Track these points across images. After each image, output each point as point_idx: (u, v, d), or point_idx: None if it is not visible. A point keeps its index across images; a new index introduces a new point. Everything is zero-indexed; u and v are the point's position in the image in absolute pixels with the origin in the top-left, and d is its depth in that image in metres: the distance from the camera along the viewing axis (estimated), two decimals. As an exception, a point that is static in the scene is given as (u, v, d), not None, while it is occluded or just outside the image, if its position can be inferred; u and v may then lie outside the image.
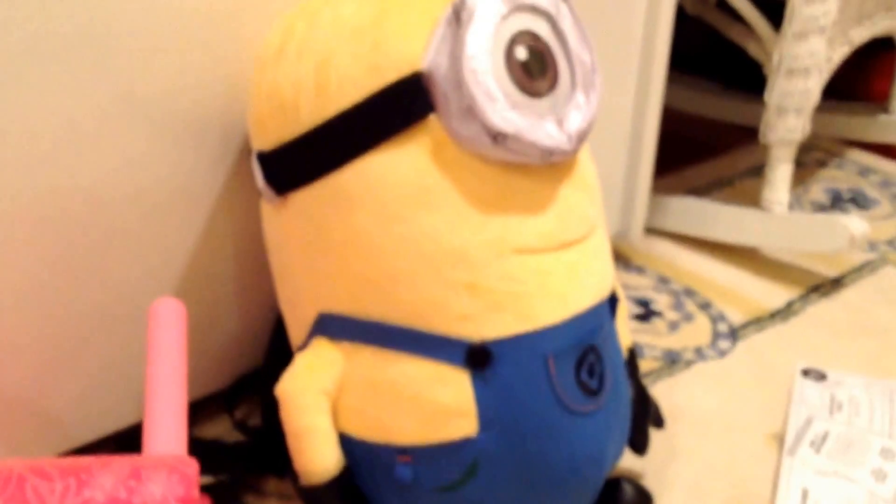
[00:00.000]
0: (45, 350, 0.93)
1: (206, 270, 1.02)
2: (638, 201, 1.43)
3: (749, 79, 1.72)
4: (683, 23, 1.40)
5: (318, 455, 0.86)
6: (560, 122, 0.84)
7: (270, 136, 0.88)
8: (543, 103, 0.84)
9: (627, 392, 0.94)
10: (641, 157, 1.40)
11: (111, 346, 0.98)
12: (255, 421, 1.11)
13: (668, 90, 1.40)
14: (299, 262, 0.89)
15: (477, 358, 0.83)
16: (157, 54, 0.89)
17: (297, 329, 0.92)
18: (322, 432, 0.86)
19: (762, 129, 1.43)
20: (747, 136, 1.80)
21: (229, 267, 1.04)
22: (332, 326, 0.87)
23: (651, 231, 1.53)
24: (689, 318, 1.35)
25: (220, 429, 1.10)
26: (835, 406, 1.15)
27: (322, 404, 0.86)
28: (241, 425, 1.10)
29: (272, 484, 1.04)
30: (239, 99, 0.96)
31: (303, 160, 0.86)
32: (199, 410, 1.10)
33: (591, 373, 0.87)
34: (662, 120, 1.39)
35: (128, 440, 1.02)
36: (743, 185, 1.71)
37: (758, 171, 1.70)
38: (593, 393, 0.87)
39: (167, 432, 0.71)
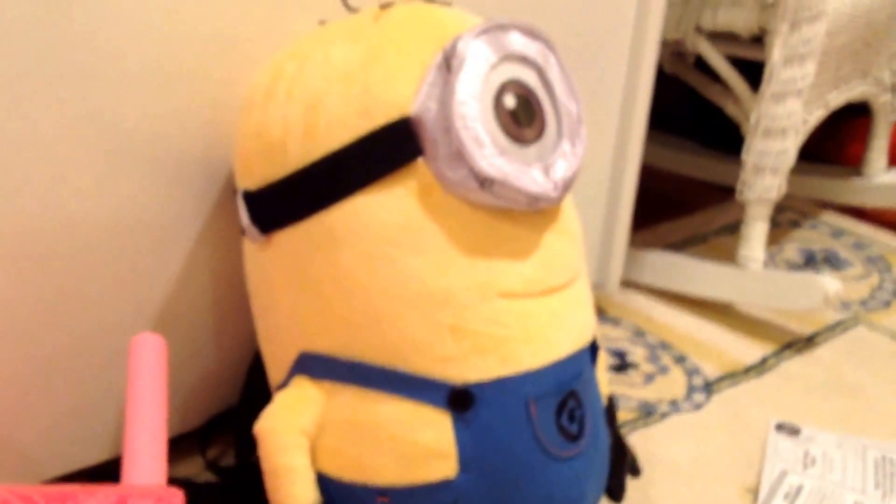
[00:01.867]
0: (18, 383, 0.93)
1: (184, 308, 1.02)
2: (615, 254, 1.45)
3: (725, 139, 1.75)
4: (662, 82, 1.43)
5: (295, 495, 0.86)
6: (546, 170, 0.86)
7: (256, 175, 0.89)
8: (530, 151, 0.85)
9: (606, 439, 0.94)
10: (619, 211, 1.42)
11: (86, 381, 0.97)
12: (227, 461, 1.10)
13: (646, 147, 1.42)
14: (282, 301, 0.89)
15: (459, 400, 0.83)
16: (143, 90, 0.90)
17: (276, 368, 0.92)
18: (300, 472, 0.86)
19: (739, 187, 1.45)
20: (722, 194, 1.83)
21: (207, 305, 1.04)
22: (314, 366, 0.87)
23: (627, 284, 1.54)
24: (664, 370, 1.36)
25: (193, 468, 1.10)
26: (808, 461, 1.16)
27: (301, 444, 0.86)
28: (213, 465, 1.09)
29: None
30: (224, 138, 0.97)
31: (289, 200, 0.87)
32: (171, 449, 1.09)
33: (571, 418, 0.87)
34: (640, 176, 1.41)
35: (100, 476, 1.01)
36: (717, 242, 1.73)
37: (732, 228, 1.72)
38: (573, 438, 0.87)
39: (147, 464, 0.70)
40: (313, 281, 0.86)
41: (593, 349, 0.93)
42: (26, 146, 0.85)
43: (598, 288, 1.44)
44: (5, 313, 0.89)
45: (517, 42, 0.87)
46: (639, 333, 1.44)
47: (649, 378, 1.34)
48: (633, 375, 1.34)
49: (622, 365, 1.36)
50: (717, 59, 1.47)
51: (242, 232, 0.92)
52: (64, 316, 0.93)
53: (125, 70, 0.88)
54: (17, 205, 0.86)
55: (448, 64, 0.83)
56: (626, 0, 1.27)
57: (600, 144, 1.35)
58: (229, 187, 0.99)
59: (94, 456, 1.02)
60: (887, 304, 1.56)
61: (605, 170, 1.38)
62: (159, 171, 0.94)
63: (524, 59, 0.87)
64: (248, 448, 1.00)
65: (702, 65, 1.60)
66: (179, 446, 1.10)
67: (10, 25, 0.80)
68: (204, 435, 1.10)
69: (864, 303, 1.56)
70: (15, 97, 0.83)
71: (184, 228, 0.99)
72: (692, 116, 1.96)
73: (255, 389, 1.01)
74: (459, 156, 0.82)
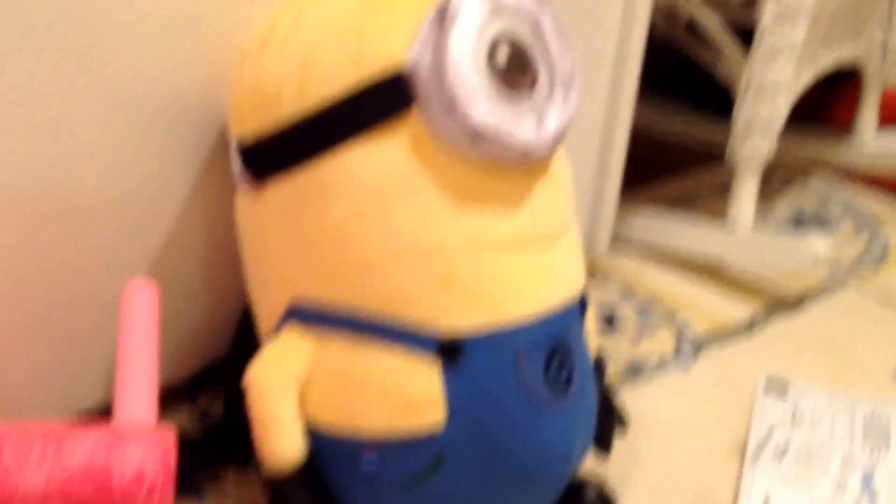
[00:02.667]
0: (11, 329, 0.93)
1: (176, 259, 1.02)
2: (604, 214, 1.45)
3: (716, 100, 1.75)
4: (654, 43, 1.42)
5: (283, 443, 0.86)
6: (538, 122, 0.86)
7: (251, 127, 0.89)
8: (523, 103, 0.85)
9: (594, 393, 0.95)
10: (609, 171, 1.42)
11: (79, 328, 0.98)
12: (216, 412, 1.11)
13: (637, 109, 1.42)
14: (273, 252, 0.90)
15: (448, 350, 0.84)
16: (138, 42, 0.90)
17: (266, 318, 0.92)
18: (288, 421, 0.86)
19: (729, 147, 1.45)
20: (713, 155, 1.83)
21: (200, 257, 1.04)
22: (304, 315, 0.88)
23: (617, 243, 1.55)
24: (652, 329, 1.36)
25: (182, 419, 1.10)
26: (796, 417, 1.17)
27: (290, 392, 0.87)
28: (203, 415, 1.10)
29: (230, 471, 1.04)
30: (219, 91, 0.97)
31: (282, 151, 0.87)
32: (160, 400, 1.09)
33: (559, 370, 0.88)
34: (630, 138, 1.41)
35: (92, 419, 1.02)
36: (708, 203, 1.73)
37: (722, 189, 1.72)
38: (561, 390, 0.88)
39: (138, 404, 0.71)
40: (305, 232, 0.86)
41: (582, 304, 0.93)
42: (18, 98, 0.85)
43: (587, 247, 1.44)
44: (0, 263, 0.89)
45: (510, -5, 0.87)
46: (628, 292, 1.45)
47: (637, 337, 1.34)
48: (621, 334, 1.35)
49: (610, 323, 1.37)
50: (709, 21, 1.47)
51: (236, 183, 0.92)
52: (57, 265, 0.93)
53: (120, 21, 0.88)
54: (10, 157, 0.86)
55: (442, 17, 0.83)
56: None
57: (591, 105, 1.36)
58: (223, 140, 0.99)
59: (86, 400, 1.02)
60: (877, 264, 1.57)
61: (595, 130, 1.39)
62: (154, 123, 0.94)
63: (517, 12, 0.87)
64: (236, 399, 1.00)
65: (693, 27, 1.59)
66: (169, 397, 1.10)
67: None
68: (193, 386, 1.10)
69: (853, 263, 1.57)
70: (7, 56, 0.82)
71: (177, 180, 0.99)
72: (683, 78, 1.96)
73: (244, 341, 1.01)
74: (451, 108, 0.82)
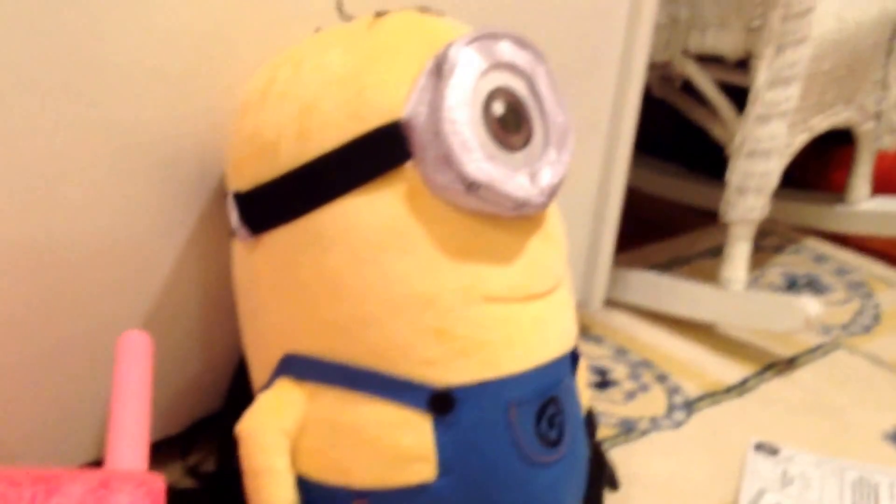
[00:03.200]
0: (4, 382, 0.93)
1: (170, 312, 1.02)
2: (599, 273, 1.46)
3: (709, 163, 1.76)
4: (649, 106, 1.44)
5: (274, 496, 0.86)
6: (532, 176, 0.86)
7: (248, 176, 0.90)
8: (517, 157, 0.86)
9: (585, 448, 0.95)
10: (604, 230, 1.43)
11: (72, 382, 0.98)
12: (208, 467, 1.10)
13: (631, 170, 1.43)
14: (268, 302, 0.90)
15: (440, 403, 0.84)
16: (138, 95, 0.91)
17: (260, 370, 0.92)
18: (280, 473, 0.86)
19: (723, 207, 1.46)
20: (706, 218, 1.84)
21: (194, 309, 1.04)
22: (298, 367, 0.88)
23: (611, 303, 1.55)
24: (645, 388, 1.36)
25: (173, 475, 1.10)
26: (786, 480, 1.16)
27: (281, 444, 0.86)
28: (193, 470, 1.09)
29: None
30: (217, 142, 0.97)
31: (279, 200, 0.88)
32: (152, 454, 1.08)
33: (551, 424, 0.88)
34: (624, 198, 1.42)
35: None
36: (700, 264, 1.74)
37: (715, 251, 1.73)
38: (552, 444, 0.88)
39: (129, 453, 0.71)
40: (301, 282, 0.87)
41: (574, 357, 0.94)
42: (21, 149, 0.85)
43: (581, 306, 1.44)
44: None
45: (507, 51, 0.88)
46: (621, 352, 1.45)
47: (630, 395, 1.34)
48: (614, 392, 1.35)
49: (604, 382, 1.37)
50: (703, 81, 1.49)
51: (232, 233, 0.92)
52: (52, 317, 0.93)
53: (121, 74, 0.89)
54: (10, 206, 0.87)
55: (439, 69, 0.84)
56: (615, 22, 1.28)
57: (587, 164, 1.36)
58: (220, 192, 0.99)
59: (78, 452, 1.02)
60: (868, 329, 1.57)
61: (590, 189, 1.39)
62: (152, 174, 0.95)
63: (514, 68, 0.88)
64: (229, 453, 1.00)
65: (688, 87, 1.61)
66: (160, 451, 1.10)
67: (10, 30, 0.81)
68: (185, 440, 1.10)
69: (844, 327, 1.57)
70: (10, 101, 0.83)
71: (174, 232, 0.99)
72: (677, 141, 1.97)
73: (238, 395, 1.01)
74: (447, 159, 0.83)
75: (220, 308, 1.04)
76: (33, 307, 0.92)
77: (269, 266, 0.89)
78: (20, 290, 0.90)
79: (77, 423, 1.00)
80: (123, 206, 0.94)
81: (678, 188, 1.97)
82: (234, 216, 0.91)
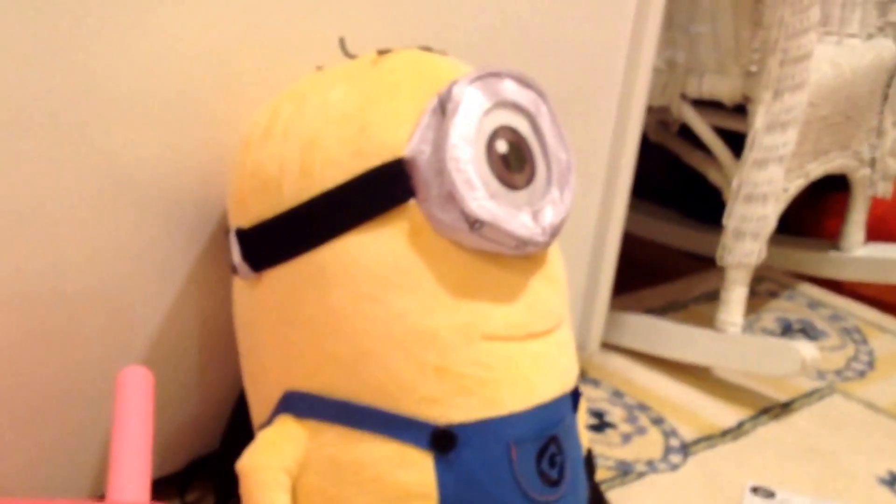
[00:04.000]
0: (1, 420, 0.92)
1: (168, 348, 1.02)
2: (595, 316, 1.46)
3: (704, 208, 1.77)
4: (644, 151, 1.44)
5: (275, 532, 0.85)
6: (535, 215, 0.87)
7: (250, 213, 0.90)
8: (520, 196, 0.87)
9: (585, 487, 0.95)
10: (601, 274, 1.43)
11: (68, 420, 0.97)
12: (206, 505, 1.10)
13: (628, 215, 1.44)
14: (270, 339, 0.90)
15: (441, 441, 0.84)
16: (139, 130, 0.91)
17: (260, 407, 0.92)
18: (281, 509, 0.86)
19: (719, 252, 1.46)
20: (702, 263, 1.84)
21: (192, 346, 1.04)
22: (299, 404, 0.87)
23: (607, 346, 1.55)
24: (641, 431, 1.36)
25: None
26: (783, 523, 1.16)
27: (282, 482, 0.86)
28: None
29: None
30: (218, 178, 0.97)
31: (282, 237, 0.88)
32: (150, 492, 1.08)
33: (552, 463, 0.87)
34: (621, 243, 1.43)
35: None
36: (696, 309, 1.74)
37: (710, 296, 1.73)
38: (553, 483, 0.87)
39: (131, 486, 0.70)
40: (302, 319, 0.87)
41: (575, 396, 0.93)
42: (21, 183, 0.85)
43: (578, 349, 1.44)
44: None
45: (510, 90, 0.89)
46: (617, 395, 1.45)
47: (627, 438, 1.34)
48: (610, 435, 1.34)
49: (600, 425, 1.36)
50: (700, 126, 1.50)
51: (233, 270, 0.92)
52: (49, 353, 0.93)
53: (120, 108, 0.89)
54: (8, 241, 0.86)
55: (443, 108, 0.85)
56: (614, 65, 1.29)
57: (585, 207, 1.37)
58: (220, 228, 0.99)
59: (75, 493, 1.01)
60: (862, 375, 1.57)
61: (588, 232, 1.40)
62: (152, 210, 0.95)
63: (517, 107, 0.89)
64: (227, 492, 1.00)
65: (684, 133, 1.62)
66: (158, 490, 1.09)
67: (10, 62, 0.81)
68: (183, 479, 1.09)
69: (839, 373, 1.57)
70: (8, 136, 0.83)
71: (172, 267, 0.99)
72: (671, 186, 1.98)
73: (237, 433, 1.01)
74: (451, 197, 0.83)
75: (218, 345, 1.03)
76: (31, 343, 0.91)
77: (270, 303, 0.89)
78: (18, 327, 0.90)
79: (74, 458, 0.99)
80: (121, 242, 0.94)
81: (673, 233, 1.97)
82: (235, 253, 0.91)
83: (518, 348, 0.87)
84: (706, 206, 1.71)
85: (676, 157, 1.69)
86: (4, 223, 0.85)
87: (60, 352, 0.94)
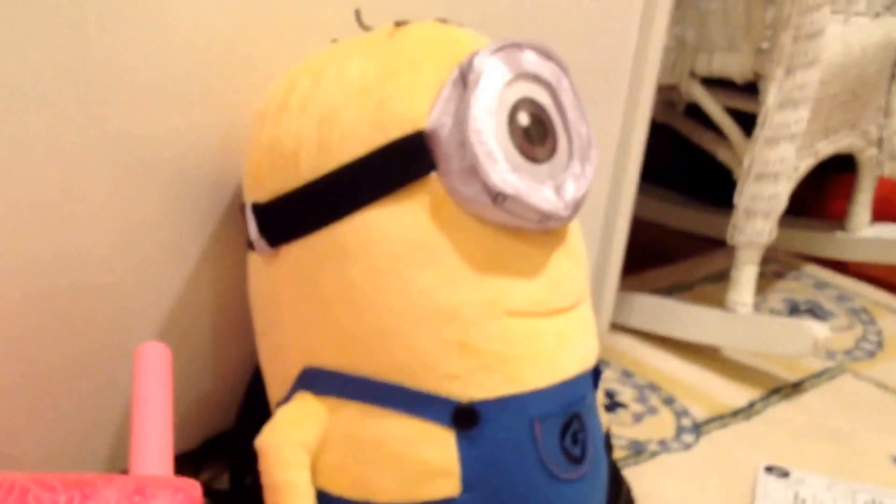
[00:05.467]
0: (18, 398, 0.91)
1: (183, 325, 1.00)
2: (605, 297, 1.45)
3: (706, 190, 1.76)
4: (649, 134, 1.43)
5: (295, 509, 0.84)
6: (557, 189, 0.85)
7: (267, 187, 0.88)
8: (542, 169, 0.85)
9: (606, 464, 0.94)
10: (611, 255, 1.42)
11: (85, 398, 0.96)
12: (220, 485, 1.08)
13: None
14: (287, 316, 0.88)
15: (464, 418, 0.82)
16: (154, 105, 0.90)
17: (278, 384, 0.91)
18: (300, 488, 0.84)
19: (730, 231, 1.45)
20: (706, 245, 1.84)
21: (206, 323, 1.03)
22: (318, 381, 0.86)
23: (616, 327, 1.54)
24: (652, 411, 1.35)
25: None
26: (798, 502, 1.15)
27: (302, 459, 0.85)
28: (206, 488, 1.07)
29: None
30: (233, 153, 0.96)
31: (300, 212, 0.86)
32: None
33: (574, 440, 0.86)
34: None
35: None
36: (702, 290, 1.73)
37: (716, 277, 1.73)
38: (576, 460, 0.86)
39: (155, 461, 0.69)
40: (321, 295, 0.85)
41: (596, 374, 0.92)
42: (37, 159, 0.84)
43: (586, 329, 1.43)
44: (8, 326, 0.87)
45: (531, 61, 0.87)
46: (627, 375, 1.44)
47: (638, 417, 1.33)
48: (622, 414, 1.33)
49: (612, 404, 1.35)
50: (710, 104, 1.49)
51: (250, 245, 0.91)
52: (63, 332, 0.92)
53: (137, 85, 0.88)
54: (24, 218, 0.85)
55: (464, 79, 0.83)
56: (625, 43, 1.28)
57: (594, 187, 1.36)
58: (234, 203, 0.98)
59: (94, 464, 1.00)
60: (871, 355, 1.57)
61: (598, 212, 1.39)
62: (167, 186, 0.93)
63: (538, 79, 0.87)
64: (242, 470, 0.98)
65: (691, 112, 1.61)
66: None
67: (23, 40, 0.80)
68: (196, 457, 1.08)
69: (848, 352, 1.57)
70: (26, 112, 0.82)
71: (187, 245, 0.98)
72: (674, 167, 1.97)
73: (252, 411, 1.00)
74: (473, 171, 0.81)
75: (233, 322, 1.02)
76: (45, 319, 0.90)
77: (288, 278, 0.88)
78: (33, 304, 0.89)
79: (90, 436, 0.98)
80: (136, 218, 0.93)
81: (676, 215, 1.96)
82: (252, 228, 0.89)
83: (541, 325, 0.86)
84: (708, 187, 1.71)
85: (677, 139, 1.68)
86: (20, 201, 0.84)
87: (74, 328, 0.92)
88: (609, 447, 0.99)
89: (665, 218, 1.96)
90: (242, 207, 0.92)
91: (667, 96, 1.58)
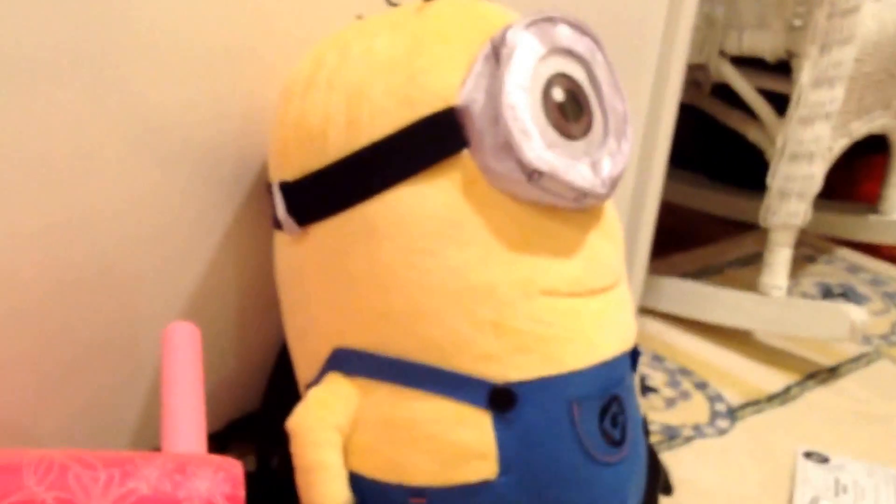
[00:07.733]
0: (40, 374, 0.90)
1: (207, 306, 0.99)
2: (634, 280, 1.42)
3: (731, 172, 1.74)
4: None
5: (327, 493, 0.82)
6: (594, 166, 0.83)
7: (295, 165, 0.86)
8: (578, 146, 0.83)
9: (644, 447, 0.91)
10: (639, 238, 1.40)
11: (107, 375, 0.94)
12: (246, 467, 1.06)
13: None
14: (316, 296, 0.87)
15: (500, 399, 0.80)
16: (178, 80, 0.88)
17: (307, 366, 0.89)
18: (333, 469, 0.82)
19: (762, 213, 1.43)
20: (730, 227, 1.81)
21: (231, 303, 1.01)
22: (349, 362, 0.84)
23: (644, 311, 1.52)
24: (685, 395, 1.33)
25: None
26: (840, 488, 1.13)
27: (334, 440, 0.83)
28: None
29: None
30: (257, 130, 0.94)
31: (328, 190, 0.84)
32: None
33: (614, 423, 0.84)
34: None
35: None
36: (731, 273, 1.71)
37: (744, 261, 1.71)
38: (616, 443, 0.84)
39: (188, 440, 0.67)
40: (350, 275, 0.83)
41: (634, 356, 0.90)
42: (57, 133, 0.82)
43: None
44: (31, 304, 0.86)
45: (565, 36, 0.85)
46: (658, 359, 1.42)
47: (671, 402, 1.31)
48: (653, 399, 1.31)
49: (643, 389, 1.33)
50: (741, 84, 1.46)
51: (277, 225, 0.89)
52: (86, 310, 0.90)
53: (160, 59, 0.86)
54: (46, 193, 0.83)
55: (497, 54, 0.81)
56: (654, 22, 1.25)
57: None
58: (260, 180, 0.96)
59: (114, 447, 0.98)
60: (908, 338, 1.54)
61: (626, 194, 1.37)
62: (191, 162, 0.92)
63: (572, 54, 0.85)
64: (269, 452, 0.97)
65: (717, 92, 1.58)
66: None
67: (45, 11, 0.78)
68: (221, 440, 1.06)
69: (884, 337, 1.54)
70: (45, 83, 0.80)
71: (210, 222, 0.96)
72: (698, 150, 1.94)
73: (278, 393, 0.98)
74: (507, 147, 0.79)
75: (258, 303, 1.01)
76: (67, 296, 0.88)
77: (316, 258, 0.86)
78: (55, 280, 0.87)
79: (114, 412, 0.97)
80: (158, 195, 0.91)
81: (702, 198, 1.94)
82: (280, 207, 0.87)
83: (578, 304, 0.84)
84: (732, 169, 1.68)
85: (702, 120, 1.65)
86: (42, 174, 0.82)
87: (96, 306, 0.91)
88: (646, 431, 0.97)
89: (691, 201, 1.94)
90: (269, 186, 0.90)
91: (693, 76, 1.55)
